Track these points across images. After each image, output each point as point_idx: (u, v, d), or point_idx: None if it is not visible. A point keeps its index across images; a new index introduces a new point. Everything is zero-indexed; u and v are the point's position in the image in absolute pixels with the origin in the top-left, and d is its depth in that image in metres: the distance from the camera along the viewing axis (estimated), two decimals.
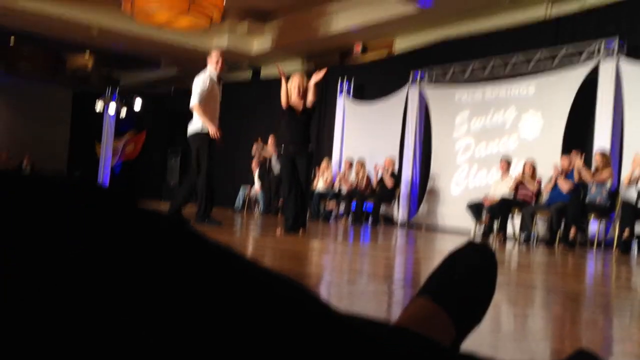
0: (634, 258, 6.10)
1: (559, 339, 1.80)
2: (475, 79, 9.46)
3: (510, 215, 7.89)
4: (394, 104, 10.56)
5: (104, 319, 0.31)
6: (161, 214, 0.37)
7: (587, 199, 7.16)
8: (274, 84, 12.95)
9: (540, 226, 7.80)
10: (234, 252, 0.38)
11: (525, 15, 9.36)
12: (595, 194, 7.10)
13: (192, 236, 0.37)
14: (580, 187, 7.24)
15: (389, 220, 10.14)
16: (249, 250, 3.89)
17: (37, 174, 0.36)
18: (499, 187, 8.34)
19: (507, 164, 8.40)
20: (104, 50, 14.30)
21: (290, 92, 5.68)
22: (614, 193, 7.12)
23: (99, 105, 15.32)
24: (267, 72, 14.38)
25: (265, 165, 11.82)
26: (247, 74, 14.60)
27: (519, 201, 7.90)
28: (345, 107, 11.59)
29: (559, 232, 7.18)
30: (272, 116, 12.61)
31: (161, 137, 16.44)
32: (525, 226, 7.59)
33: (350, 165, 10.67)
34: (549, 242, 7.30)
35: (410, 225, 9.97)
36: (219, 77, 5.99)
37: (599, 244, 7.07)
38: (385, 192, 9.85)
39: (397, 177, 9.96)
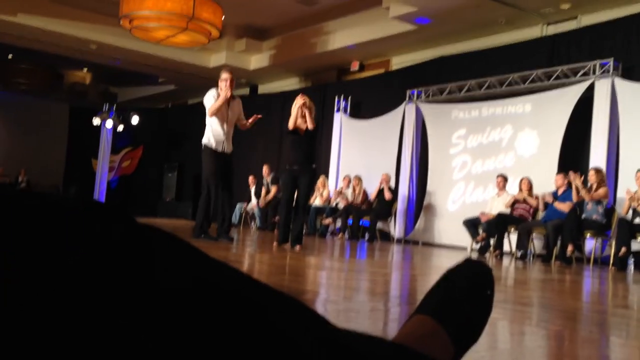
0: (631, 275, 6.10)
1: (556, 356, 1.79)
2: (472, 97, 9.52)
3: (506, 232, 7.90)
4: (390, 121, 10.60)
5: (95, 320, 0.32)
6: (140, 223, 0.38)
7: (584, 216, 7.17)
8: (272, 101, 13.01)
9: (536, 243, 7.80)
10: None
11: (520, 34, 9.47)
12: (592, 211, 7.11)
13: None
14: (576, 205, 7.26)
15: (386, 236, 10.13)
16: (245, 266, 3.87)
17: (23, 189, 0.38)
18: (495, 204, 8.36)
19: (504, 181, 8.42)
20: (101, 66, 14.36)
21: (296, 114, 5.85)
22: (610, 210, 7.13)
23: (96, 121, 15.34)
24: (264, 88, 14.45)
25: (261, 183, 11.92)
26: (245, 91, 14.67)
27: (516, 217, 7.91)
28: (342, 124, 11.63)
29: (555, 249, 7.18)
30: (270, 132, 12.65)
31: (158, 152, 16.44)
32: (522, 243, 7.59)
33: (349, 181, 10.68)
34: (545, 259, 7.29)
35: (407, 241, 9.96)
36: (231, 96, 6.10)
37: (595, 261, 7.06)
38: (382, 208, 9.87)
39: (394, 193, 10.00)
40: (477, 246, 8.03)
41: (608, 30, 8.26)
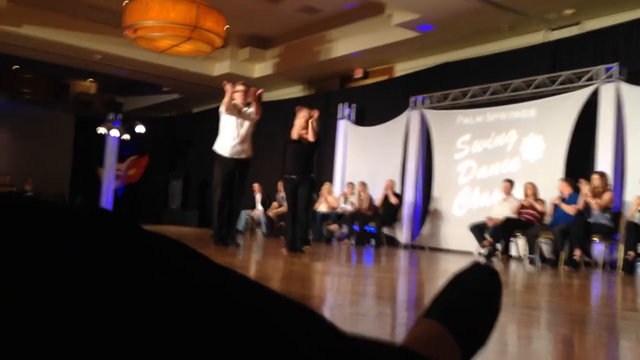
0: (639, 279, 6.06)
1: None
2: (476, 103, 9.51)
3: (513, 236, 7.87)
4: (395, 127, 10.60)
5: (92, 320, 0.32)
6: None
7: (591, 220, 7.13)
8: (275, 109, 13.03)
9: (544, 247, 7.76)
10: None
11: (523, 40, 9.46)
12: (599, 215, 7.07)
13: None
14: (583, 209, 7.22)
15: (392, 242, 10.12)
16: (252, 272, 3.87)
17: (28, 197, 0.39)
18: (501, 208, 8.33)
19: (510, 185, 8.40)
20: (106, 75, 14.43)
21: (300, 125, 6.10)
22: (617, 214, 7.10)
23: (101, 130, 15.41)
24: (268, 96, 14.48)
25: (271, 195, 12.02)
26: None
27: (523, 221, 7.88)
28: (346, 131, 11.64)
29: (563, 254, 7.14)
30: (273, 140, 12.66)
31: (164, 160, 16.50)
32: (529, 247, 7.56)
33: (352, 188, 10.68)
34: (553, 263, 7.25)
35: (414, 246, 9.94)
36: (243, 104, 6.30)
37: (603, 265, 7.02)
38: (388, 214, 9.86)
39: (400, 198, 10.00)
40: (484, 251, 8.01)
41: (611, 35, 8.26)
